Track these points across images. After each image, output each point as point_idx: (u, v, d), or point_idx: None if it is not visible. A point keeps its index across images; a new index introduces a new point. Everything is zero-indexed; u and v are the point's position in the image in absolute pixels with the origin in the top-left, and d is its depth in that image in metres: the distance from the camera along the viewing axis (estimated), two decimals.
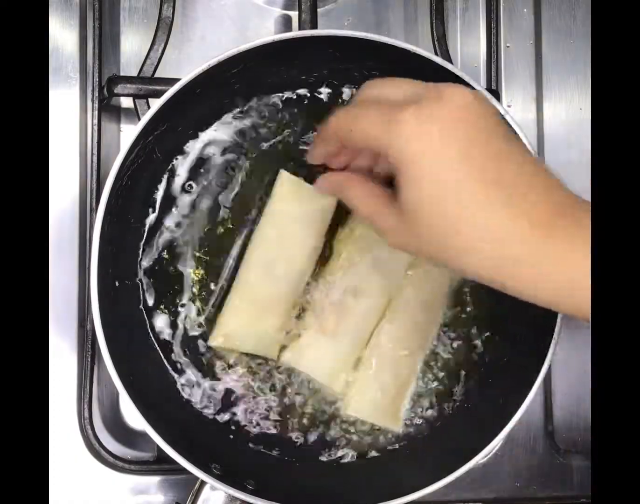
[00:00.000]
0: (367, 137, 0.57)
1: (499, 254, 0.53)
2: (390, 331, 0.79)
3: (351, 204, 0.64)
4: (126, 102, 0.88)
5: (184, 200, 0.78)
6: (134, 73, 0.82)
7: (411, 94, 0.57)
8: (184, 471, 0.69)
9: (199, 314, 0.78)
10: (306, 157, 0.72)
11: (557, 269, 0.52)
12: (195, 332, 0.78)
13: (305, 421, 0.79)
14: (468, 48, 0.94)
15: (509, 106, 0.91)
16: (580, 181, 0.89)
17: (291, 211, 0.77)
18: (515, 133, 0.72)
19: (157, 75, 0.81)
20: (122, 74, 0.88)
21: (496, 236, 0.53)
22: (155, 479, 0.82)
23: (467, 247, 0.54)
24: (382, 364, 0.79)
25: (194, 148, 0.78)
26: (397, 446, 0.80)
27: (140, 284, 0.77)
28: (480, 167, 0.53)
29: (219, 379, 0.78)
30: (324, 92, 0.80)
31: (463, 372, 0.81)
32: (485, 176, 0.53)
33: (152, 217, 0.78)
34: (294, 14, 0.89)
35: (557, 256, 0.52)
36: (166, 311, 0.78)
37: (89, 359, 0.79)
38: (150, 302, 0.78)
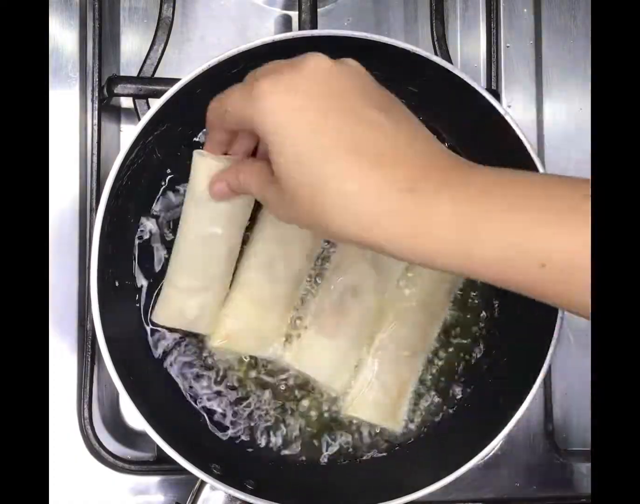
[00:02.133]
0: (235, 115, 0.58)
1: (363, 210, 0.51)
2: (392, 332, 0.79)
3: (249, 191, 0.63)
4: (126, 102, 0.88)
5: (183, 205, 0.78)
6: (134, 73, 0.81)
7: (273, 66, 0.58)
8: (184, 471, 0.69)
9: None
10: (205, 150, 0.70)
11: (422, 222, 0.50)
12: (195, 333, 0.78)
13: (305, 421, 0.79)
14: (468, 48, 0.94)
15: (509, 106, 0.91)
16: None
17: None
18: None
19: (157, 75, 0.81)
20: (122, 74, 0.88)
21: (357, 190, 0.51)
22: (155, 480, 0.82)
23: (332, 204, 0.52)
24: (384, 365, 0.79)
25: (193, 148, 0.78)
26: (397, 446, 0.80)
27: (140, 284, 0.78)
28: (339, 130, 0.52)
29: (219, 379, 0.78)
30: None
31: (463, 373, 0.81)
32: (346, 140, 0.52)
33: (152, 218, 0.78)
34: (294, 14, 0.89)
35: (419, 211, 0.50)
36: None
37: (89, 359, 0.79)
38: (150, 302, 0.78)
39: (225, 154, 0.70)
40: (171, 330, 0.78)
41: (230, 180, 0.67)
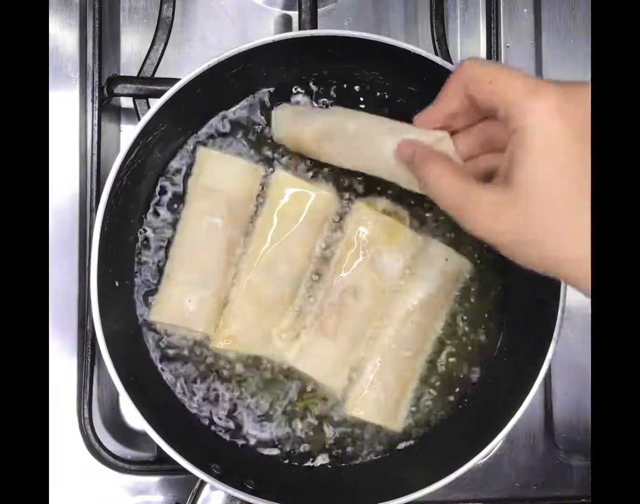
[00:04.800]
0: (505, 98, 0.55)
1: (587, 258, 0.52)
2: (393, 332, 0.79)
3: (432, 183, 0.58)
4: (126, 102, 0.88)
5: (184, 200, 0.78)
6: (134, 73, 0.82)
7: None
8: (183, 471, 0.69)
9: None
10: (416, 120, 0.65)
11: None
12: (196, 333, 0.78)
13: (305, 420, 0.79)
14: (468, 48, 0.94)
15: None
16: None
17: (289, 210, 0.77)
18: None
19: (157, 75, 0.81)
20: (122, 74, 0.88)
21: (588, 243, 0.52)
22: (155, 479, 0.82)
23: (575, 257, 0.53)
24: (385, 365, 0.79)
25: (193, 148, 0.79)
26: (397, 446, 0.80)
27: (140, 284, 0.78)
28: (579, 181, 0.53)
29: (219, 379, 0.78)
30: (323, 91, 0.80)
31: (463, 373, 0.81)
32: (585, 192, 0.53)
33: (151, 217, 0.78)
34: (294, 14, 0.89)
35: None
36: None
37: (89, 360, 0.79)
38: (150, 302, 0.78)
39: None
40: (171, 331, 0.78)
41: (417, 164, 0.61)
